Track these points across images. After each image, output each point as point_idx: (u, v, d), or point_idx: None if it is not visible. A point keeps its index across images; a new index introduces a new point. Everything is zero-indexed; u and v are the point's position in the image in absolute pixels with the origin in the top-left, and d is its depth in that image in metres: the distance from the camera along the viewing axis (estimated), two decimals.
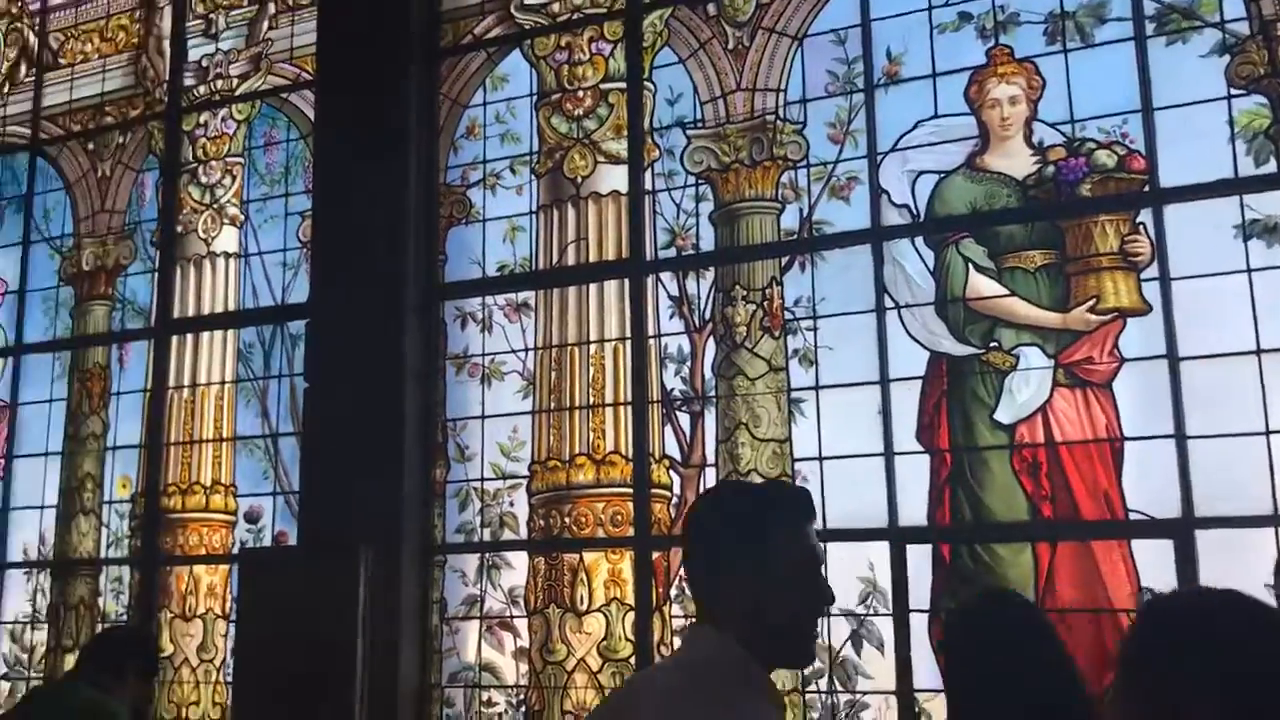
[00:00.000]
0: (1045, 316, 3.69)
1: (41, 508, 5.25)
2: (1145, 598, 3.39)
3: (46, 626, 5.12)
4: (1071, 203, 3.68)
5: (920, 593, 3.65)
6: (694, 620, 1.75)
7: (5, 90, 5.75)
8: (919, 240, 3.88)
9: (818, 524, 1.81)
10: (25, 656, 5.15)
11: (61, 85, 5.60)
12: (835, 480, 3.86)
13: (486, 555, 4.34)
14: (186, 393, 5.03)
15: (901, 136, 3.97)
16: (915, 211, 3.91)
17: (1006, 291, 3.74)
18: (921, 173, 3.94)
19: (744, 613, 1.61)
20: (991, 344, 3.73)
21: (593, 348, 4.30)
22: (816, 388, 3.93)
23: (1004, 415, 3.68)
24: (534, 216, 4.49)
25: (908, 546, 3.70)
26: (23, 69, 5.73)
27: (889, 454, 3.76)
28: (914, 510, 3.74)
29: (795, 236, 4.06)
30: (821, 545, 1.70)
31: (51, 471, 5.26)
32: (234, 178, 5.12)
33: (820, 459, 3.88)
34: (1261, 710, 1.28)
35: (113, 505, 5.11)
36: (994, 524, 3.64)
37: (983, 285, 3.78)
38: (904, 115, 3.99)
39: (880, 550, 3.72)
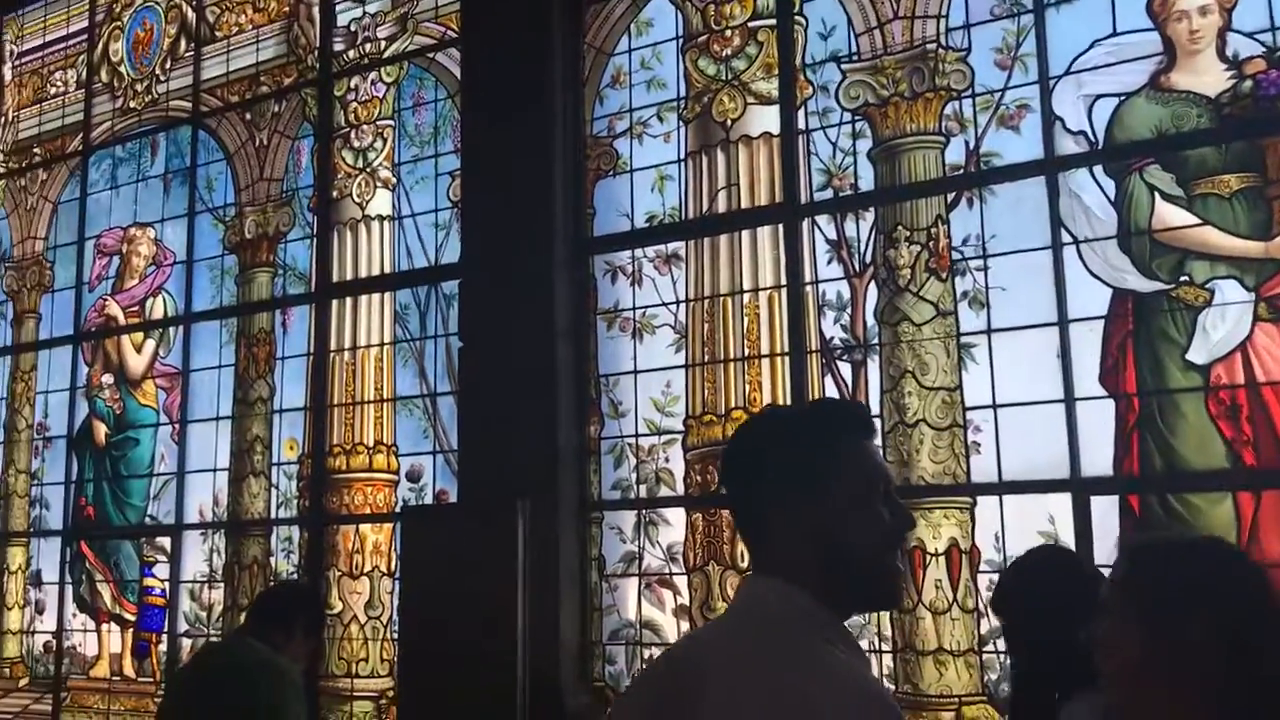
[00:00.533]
0: (1243, 246, 3.37)
1: (214, 470, 5.42)
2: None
3: (222, 585, 5.30)
4: (1274, 119, 3.34)
5: (1106, 546, 3.40)
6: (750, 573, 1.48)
7: (168, 66, 5.92)
8: (1098, 169, 3.60)
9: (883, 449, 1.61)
10: (204, 614, 5.34)
11: (218, 58, 5.73)
12: (1011, 430, 3.63)
13: (643, 512, 4.26)
14: (347, 355, 5.11)
15: (1076, 59, 3.68)
16: (1093, 138, 3.62)
17: (1198, 220, 3.42)
18: (1099, 97, 3.64)
19: (806, 554, 1.37)
20: (1182, 278, 3.43)
21: (747, 297, 4.15)
22: (989, 331, 3.69)
23: (1197, 355, 3.39)
24: (682, 164, 4.36)
25: (1091, 499, 3.45)
26: (182, 44, 5.89)
27: (1069, 400, 3.51)
28: (1097, 459, 3.49)
29: (961, 171, 3.82)
30: (887, 464, 1.50)
31: (223, 435, 5.42)
32: (385, 140, 5.15)
33: (994, 407, 3.65)
34: (1247, 619, 1.45)
35: (281, 467, 5.24)
36: (1189, 473, 3.36)
37: (1171, 215, 3.47)
38: (1078, 35, 3.69)
39: (1061, 503, 3.48)
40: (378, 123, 5.18)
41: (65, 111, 6.32)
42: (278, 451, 5.25)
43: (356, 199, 5.18)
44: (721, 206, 4.25)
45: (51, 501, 6.01)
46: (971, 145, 3.81)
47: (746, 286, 4.15)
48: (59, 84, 6.39)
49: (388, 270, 5.06)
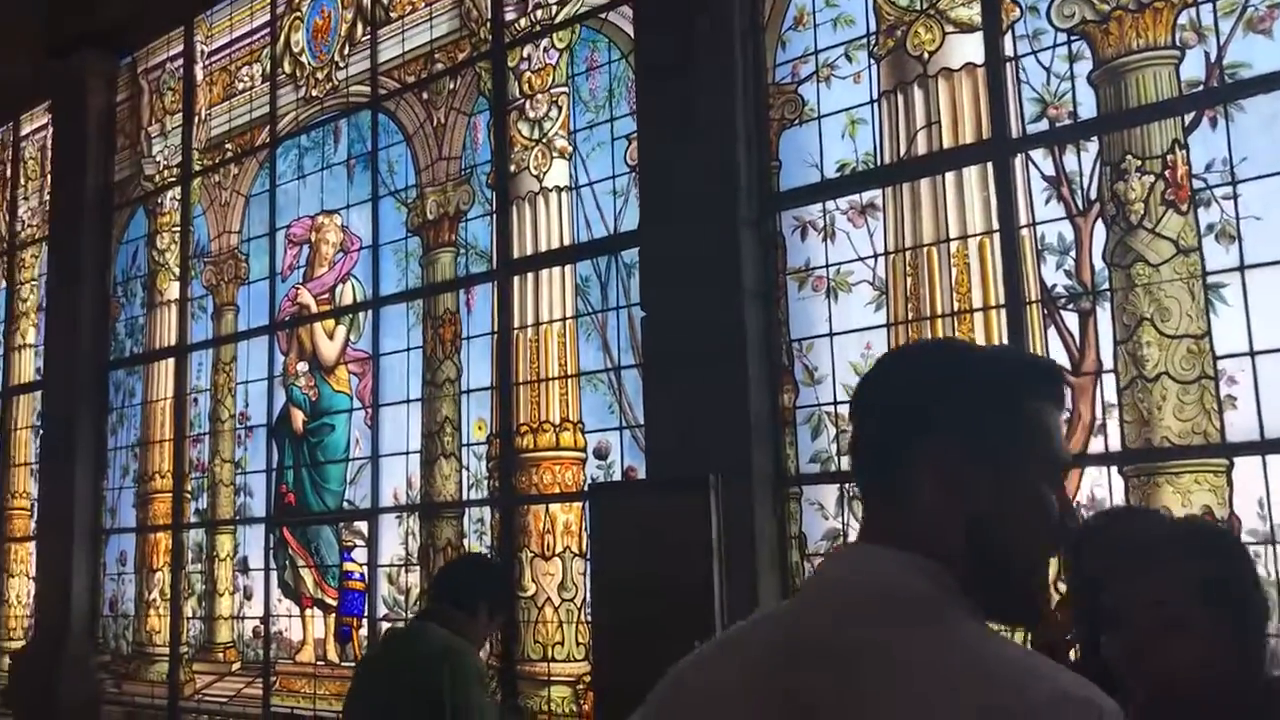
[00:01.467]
0: None
1: (407, 453, 5.40)
2: None
3: (418, 568, 5.26)
4: None
5: None
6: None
7: (346, 52, 5.93)
8: None
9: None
10: (401, 598, 5.32)
11: (394, 39, 5.69)
12: (1272, 380, 3.15)
13: (846, 486, 3.94)
14: (530, 332, 4.98)
15: None
16: None
17: None
18: None
19: (956, 532, 1.06)
20: None
21: (954, 246, 3.77)
22: (1241, 268, 3.21)
23: None
24: (876, 105, 4.00)
25: None
26: (359, 28, 5.88)
27: None
28: None
29: (1201, 87, 3.33)
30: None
31: (414, 418, 5.38)
32: (560, 109, 4.98)
33: (1251, 354, 3.17)
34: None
35: (470, 448, 5.16)
36: None
37: None
38: None
39: None
40: (551, 91, 5.02)
41: (252, 106, 6.43)
42: (467, 432, 5.18)
43: (534, 171, 5.03)
44: (922, 148, 3.87)
45: (255, 489, 6.13)
46: (1213, 56, 3.32)
47: (953, 234, 3.77)
48: (245, 79, 6.51)
49: (567, 242, 4.89)
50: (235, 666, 6.09)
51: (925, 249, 3.83)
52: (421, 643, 2.99)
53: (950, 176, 3.79)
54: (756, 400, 4.08)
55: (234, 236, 6.45)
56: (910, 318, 3.84)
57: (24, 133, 8.06)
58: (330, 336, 5.84)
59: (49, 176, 7.57)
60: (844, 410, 3.98)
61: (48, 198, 7.56)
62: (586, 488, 4.63)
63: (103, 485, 6.96)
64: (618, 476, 4.57)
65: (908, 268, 3.87)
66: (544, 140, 5.02)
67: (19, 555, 7.52)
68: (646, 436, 4.38)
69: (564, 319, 4.87)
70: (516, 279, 5.04)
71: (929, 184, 3.84)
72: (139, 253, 7.03)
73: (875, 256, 3.95)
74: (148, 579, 6.62)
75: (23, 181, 8.01)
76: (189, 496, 6.47)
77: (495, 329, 5.07)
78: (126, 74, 7.26)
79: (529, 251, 5.02)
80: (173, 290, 6.74)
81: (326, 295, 5.90)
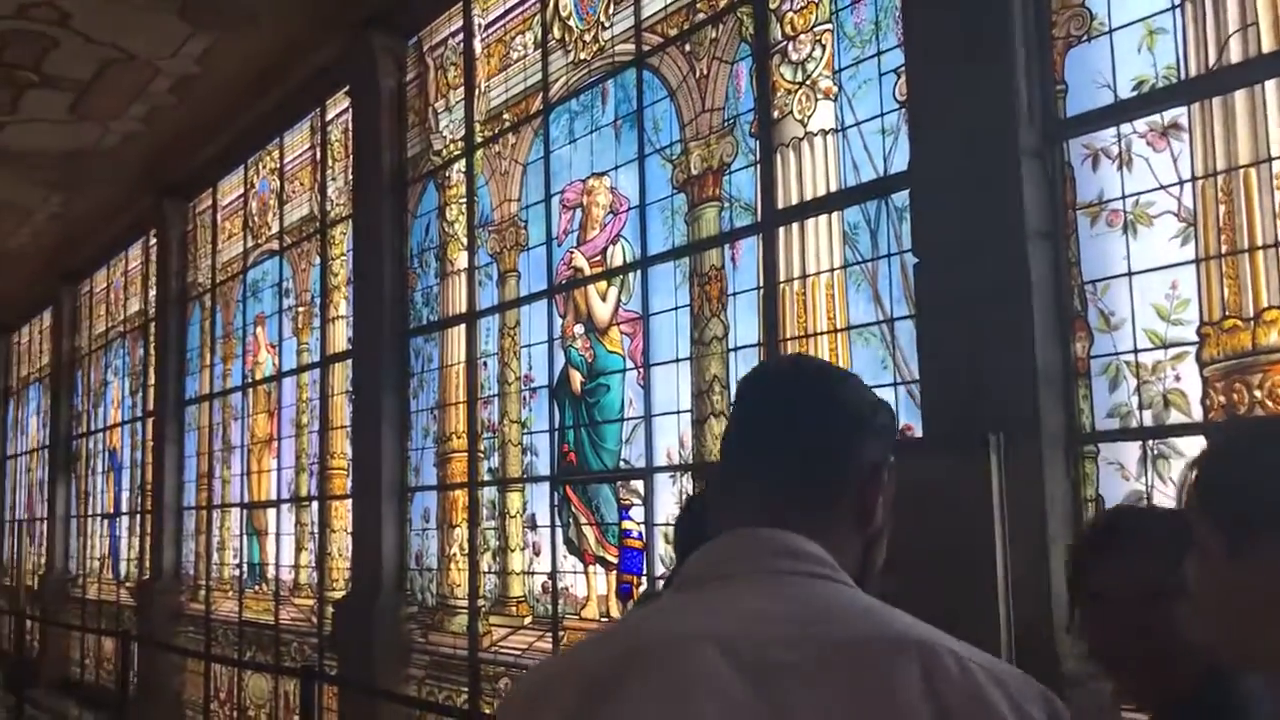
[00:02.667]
0: None
1: (678, 412, 5.35)
2: None
3: None
4: None
5: None
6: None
7: (610, 11, 5.90)
8: None
9: None
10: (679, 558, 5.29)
11: None
12: None
13: (1149, 443, 3.51)
14: (797, 285, 4.78)
15: None
16: None
17: None
18: None
19: (858, 548, 1.21)
20: None
21: (1276, 166, 3.24)
22: None
23: None
24: (1178, 11, 3.49)
25: None
26: None
27: None
28: None
29: None
30: None
31: (683, 377, 5.32)
32: (823, 47, 4.72)
33: None
34: None
35: None
36: None
37: None
38: None
39: None
40: (815, 30, 4.76)
41: (527, 74, 6.54)
42: (735, 390, 5.05)
43: (797, 116, 4.81)
44: (1235, 55, 3.35)
45: (539, 448, 6.29)
46: None
47: (1275, 153, 3.24)
48: (519, 48, 6.62)
49: (833, 188, 4.64)
50: (527, 620, 6.30)
51: (1241, 171, 3.31)
52: None
53: (1272, 86, 3.25)
54: (1045, 350, 3.71)
55: (514, 205, 6.61)
56: (1224, 251, 3.35)
57: (329, 117, 8.62)
58: (603, 298, 5.87)
59: (351, 158, 8.06)
60: (1147, 358, 3.54)
61: (352, 177, 8.05)
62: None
63: (407, 446, 7.38)
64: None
65: (1220, 194, 3.36)
66: (807, 82, 4.77)
67: (338, 512, 8.12)
68: (922, 392, 4.09)
69: (832, 270, 4.63)
70: (782, 230, 4.84)
71: (1244, 96, 3.31)
72: (431, 225, 7.35)
73: (1181, 184, 3.46)
74: (448, 534, 6.97)
75: (330, 163, 8.58)
76: (482, 455, 6.73)
77: (761, 283, 4.91)
78: (413, 53, 7.59)
79: (794, 201, 4.81)
80: (461, 259, 7.00)
81: (598, 257, 5.93)
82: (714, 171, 5.23)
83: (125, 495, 12.84)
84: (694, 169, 5.33)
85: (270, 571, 9.22)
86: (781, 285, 4.82)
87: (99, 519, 13.69)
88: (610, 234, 5.85)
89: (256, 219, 9.90)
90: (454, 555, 6.89)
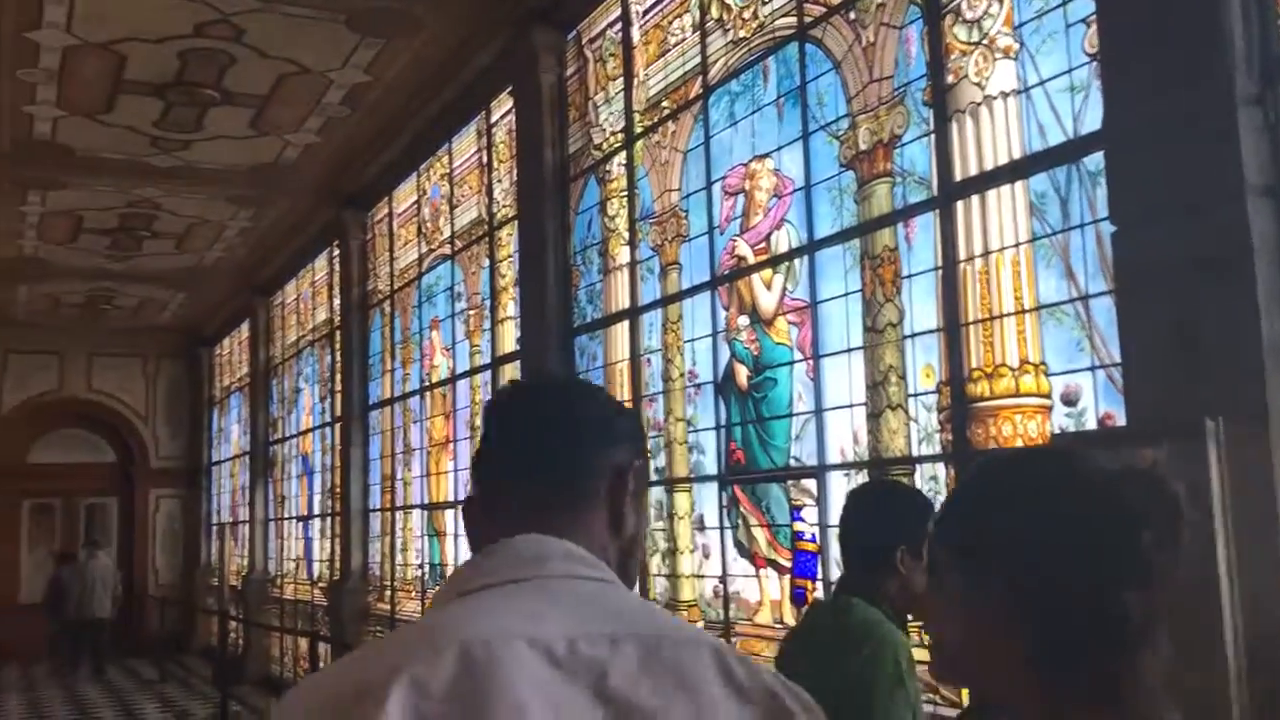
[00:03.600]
0: None
1: (851, 406, 5.00)
2: None
3: None
4: None
5: None
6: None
7: None
8: None
9: None
10: None
11: None
12: None
13: None
14: (979, 263, 4.36)
15: None
16: None
17: None
18: None
19: (609, 544, 1.29)
20: None
21: None
22: None
23: None
24: None
25: None
26: None
27: None
28: None
29: None
30: None
31: (856, 368, 4.97)
32: (1001, 2, 4.30)
33: None
34: None
35: (918, 398, 4.66)
36: None
37: None
38: None
39: None
40: None
41: (685, 58, 6.30)
42: (914, 381, 4.67)
43: (974, 78, 4.40)
44: None
45: (705, 446, 6.03)
46: None
47: None
48: (677, 33, 6.39)
49: (1017, 155, 4.21)
50: (699, 626, 6.05)
51: None
52: (844, 618, 2.55)
53: None
54: (1271, 325, 3.21)
55: (674, 194, 6.38)
56: None
57: (494, 119, 8.60)
58: (768, 287, 5.57)
59: (515, 158, 8.00)
60: None
61: (516, 177, 7.99)
62: (1053, 439, 3.97)
63: None
64: (1091, 425, 3.86)
65: None
66: (984, 41, 4.36)
67: None
68: (1125, 376, 3.64)
69: (1018, 244, 4.20)
70: (961, 204, 4.44)
71: None
72: (593, 220, 7.21)
73: None
74: None
75: (496, 164, 8.56)
76: (649, 455, 6.52)
77: (939, 263, 4.52)
78: (573, 47, 7.46)
79: (973, 171, 4.40)
80: (623, 254, 6.82)
81: (763, 244, 5.63)
82: (884, 145, 4.86)
83: (317, 498, 13.26)
84: (862, 144, 4.97)
85: (449, 572, 9.27)
86: (962, 264, 4.42)
87: (294, 521, 14.20)
88: (774, 219, 5.55)
89: (429, 225, 10.01)
90: None
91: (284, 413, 15.05)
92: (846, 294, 5.03)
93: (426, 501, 9.83)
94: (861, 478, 4.92)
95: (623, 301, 6.80)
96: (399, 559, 10.49)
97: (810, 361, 5.24)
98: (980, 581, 1.21)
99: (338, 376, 12.07)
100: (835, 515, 5.05)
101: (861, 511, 2.72)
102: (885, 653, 2.39)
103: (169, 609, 18.21)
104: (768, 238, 5.59)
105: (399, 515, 10.52)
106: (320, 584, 12.74)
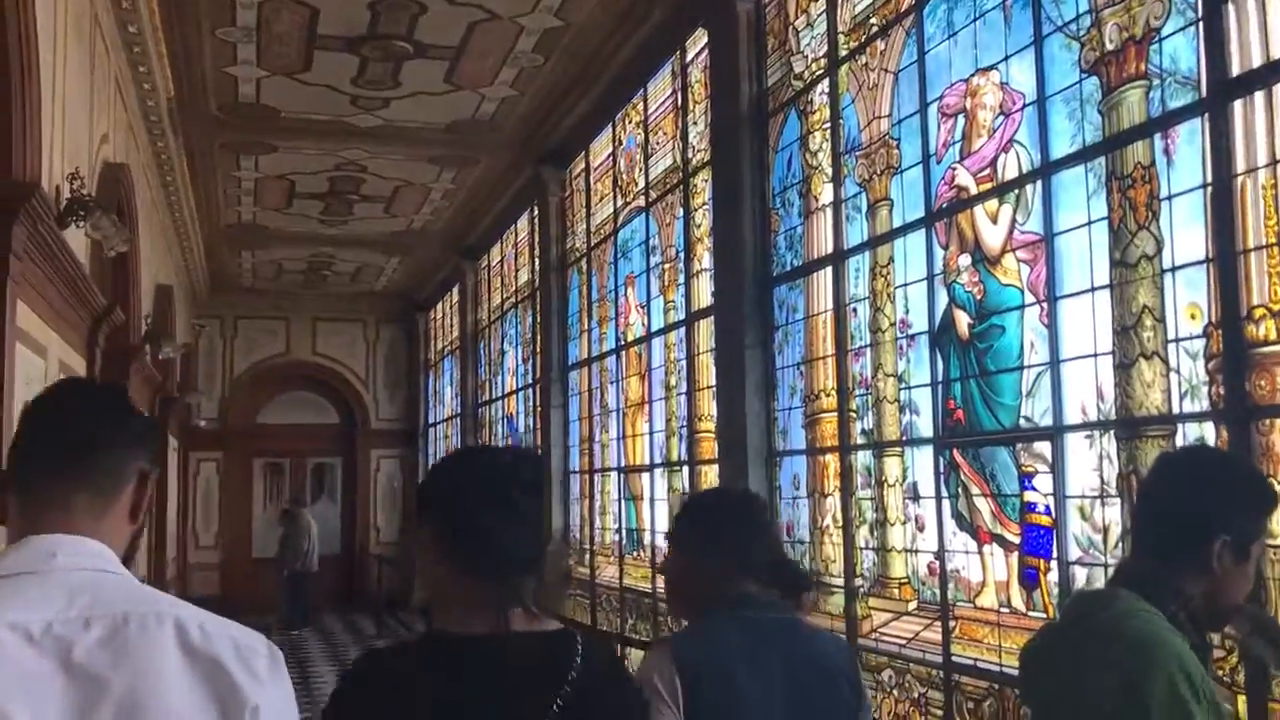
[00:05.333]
0: None
1: (1094, 355, 4.22)
2: None
3: (1118, 500, 4.09)
4: None
5: None
6: None
7: None
8: None
9: None
10: (1098, 538, 4.19)
11: None
12: None
13: None
14: (1263, 176, 3.53)
15: None
16: None
17: None
18: None
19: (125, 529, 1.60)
20: None
21: None
22: None
23: None
24: None
25: None
26: None
27: None
28: None
29: None
30: None
31: (1100, 310, 4.19)
32: None
33: None
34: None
35: (1180, 344, 3.86)
36: None
37: None
38: None
39: None
40: None
41: None
42: (1174, 323, 3.87)
43: None
44: None
45: (920, 405, 5.35)
46: None
47: None
48: None
49: None
50: (911, 605, 5.40)
51: None
52: (1111, 627, 1.88)
53: None
54: None
55: (884, 122, 5.68)
56: None
57: (689, 57, 8.07)
58: (993, 220, 4.83)
59: (710, 98, 7.45)
60: None
61: (710, 117, 7.43)
62: None
63: (772, 406, 6.68)
64: None
65: None
66: None
67: (707, 478, 7.58)
68: None
69: None
70: (1238, 105, 3.61)
71: None
72: (793, 158, 6.58)
73: None
74: (819, 504, 6.19)
75: (690, 106, 8.02)
76: (854, 415, 5.89)
77: (1208, 180, 3.70)
78: None
79: (1255, 63, 3.56)
80: (826, 193, 6.17)
81: (987, 171, 4.88)
82: (1136, 42, 4.05)
83: None
84: (1109, 43, 4.16)
85: (647, 537, 8.90)
86: (1240, 179, 3.59)
87: None
88: (1001, 140, 4.79)
89: (625, 176, 9.59)
90: (826, 527, 6.10)
91: (490, 375, 15.08)
92: (1089, 223, 4.25)
93: (623, 464, 9.47)
94: (1107, 440, 4.15)
95: (826, 246, 6.16)
96: (597, 523, 10.20)
97: (1044, 305, 4.48)
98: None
99: (538, 338, 11.88)
100: (1073, 483, 4.32)
101: (1172, 483, 2.03)
102: (1153, 678, 1.71)
103: (388, 566, 18.75)
104: (993, 163, 4.83)
105: (597, 478, 10.22)
106: None
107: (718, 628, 2.24)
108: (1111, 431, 4.13)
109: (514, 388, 13.58)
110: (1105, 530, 4.15)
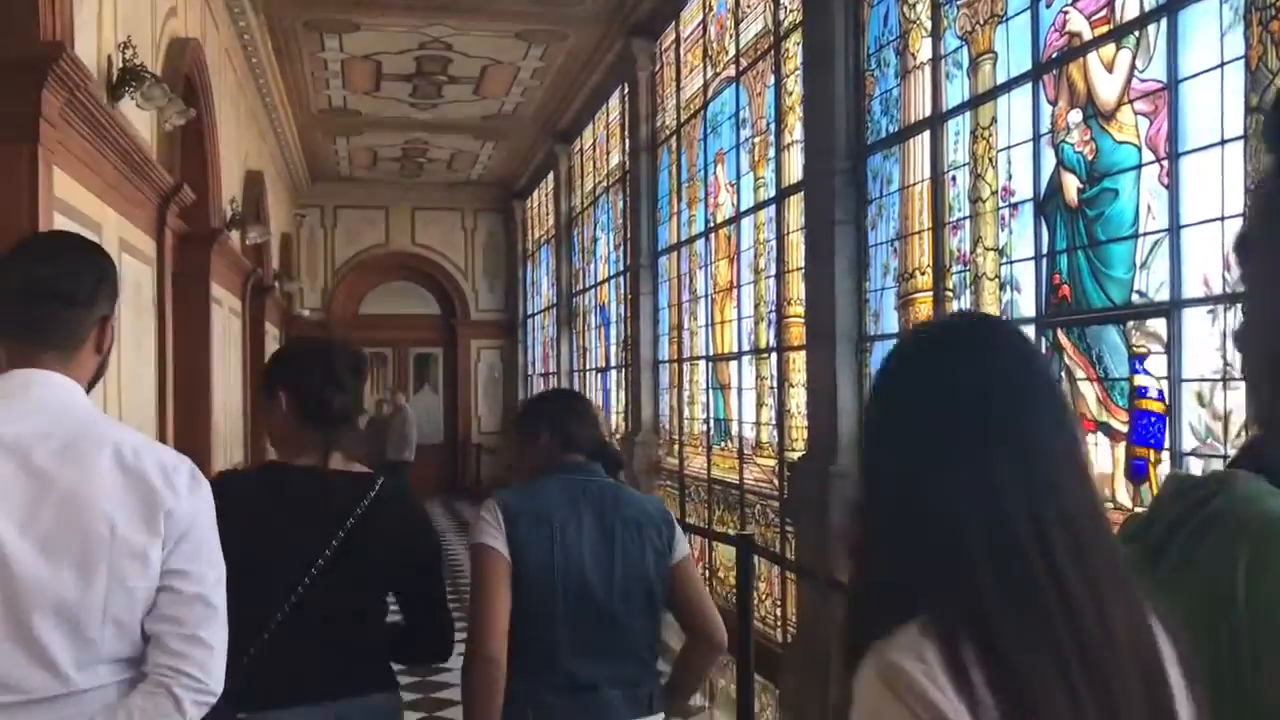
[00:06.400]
0: None
1: (1222, 219, 3.68)
2: None
3: (1244, 386, 3.59)
4: None
5: None
6: None
7: None
8: None
9: None
10: (1217, 426, 3.70)
11: None
12: None
13: None
14: None
15: None
16: None
17: None
18: None
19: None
20: None
21: None
22: None
23: None
24: None
25: None
26: None
27: None
28: None
29: None
30: None
31: (1231, 164, 3.63)
32: None
33: None
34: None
35: None
36: None
37: None
38: None
39: None
40: None
41: None
42: None
43: None
44: None
45: (1022, 282, 4.85)
46: None
47: None
48: None
49: None
50: None
51: None
52: (1221, 511, 1.49)
53: None
54: None
55: None
56: None
57: None
58: (1109, 68, 4.25)
59: None
60: None
61: None
62: None
63: (864, 287, 6.22)
64: None
65: None
66: None
67: (796, 365, 7.19)
68: None
69: None
70: None
71: None
72: (890, 12, 5.98)
73: None
74: None
75: None
76: (950, 295, 5.41)
77: None
78: None
79: None
80: (924, 49, 5.60)
81: (1102, 12, 4.28)
82: None
83: (613, 349, 12.94)
84: None
85: (734, 428, 8.59)
86: None
87: (594, 373, 14.02)
88: None
89: (715, 45, 9.04)
90: None
91: (584, 263, 14.79)
92: (1221, 64, 3.67)
93: (711, 353, 9.12)
94: (1234, 316, 3.63)
95: (923, 109, 5.61)
96: (686, 413, 9.91)
97: (1165, 163, 3.93)
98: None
99: (628, 223, 11.50)
100: (1190, 365, 3.83)
101: None
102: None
103: (487, 455, 18.88)
104: (1110, 2, 4.24)
105: (686, 367, 9.90)
106: (616, 435, 12.48)
107: (541, 484, 2.67)
108: (1239, 306, 3.61)
109: (606, 276, 13.27)
110: (1226, 418, 3.67)
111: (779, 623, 7.50)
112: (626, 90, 11.50)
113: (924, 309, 5.63)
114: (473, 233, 20.14)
